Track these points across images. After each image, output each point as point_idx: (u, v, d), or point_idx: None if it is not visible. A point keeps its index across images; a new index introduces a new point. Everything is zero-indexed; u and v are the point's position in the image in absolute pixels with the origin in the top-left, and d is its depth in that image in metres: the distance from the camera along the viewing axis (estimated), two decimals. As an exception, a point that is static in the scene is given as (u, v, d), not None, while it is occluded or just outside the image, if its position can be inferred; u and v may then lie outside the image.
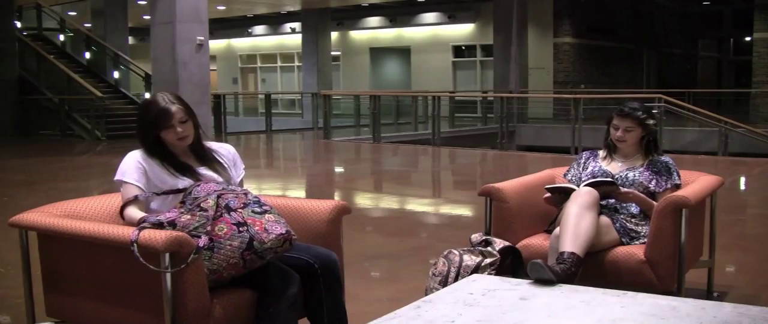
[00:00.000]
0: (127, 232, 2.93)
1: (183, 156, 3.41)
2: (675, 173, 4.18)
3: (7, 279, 5.27)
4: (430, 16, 29.40)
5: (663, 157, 4.24)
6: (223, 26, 31.98)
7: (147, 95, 19.88)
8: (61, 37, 23.60)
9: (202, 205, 3.09)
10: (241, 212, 3.10)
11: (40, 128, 20.15)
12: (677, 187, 4.13)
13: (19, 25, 22.84)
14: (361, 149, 16.72)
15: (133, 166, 3.32)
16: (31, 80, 20.95)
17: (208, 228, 3.05)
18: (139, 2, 22.28)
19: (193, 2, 13.78)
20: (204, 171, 3.39)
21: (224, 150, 3.59)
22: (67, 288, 3.30)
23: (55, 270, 3.32)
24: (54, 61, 20.59)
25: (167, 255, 2.82)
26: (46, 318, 3.41)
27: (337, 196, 9.82)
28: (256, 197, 3.21)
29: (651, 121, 4.24)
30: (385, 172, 13.42)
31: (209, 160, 3.46)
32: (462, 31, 29.20)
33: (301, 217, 3.45)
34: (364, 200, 9.77)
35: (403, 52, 31.46)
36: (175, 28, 13.60)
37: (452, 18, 28.87)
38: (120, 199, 3.41)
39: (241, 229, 3.05)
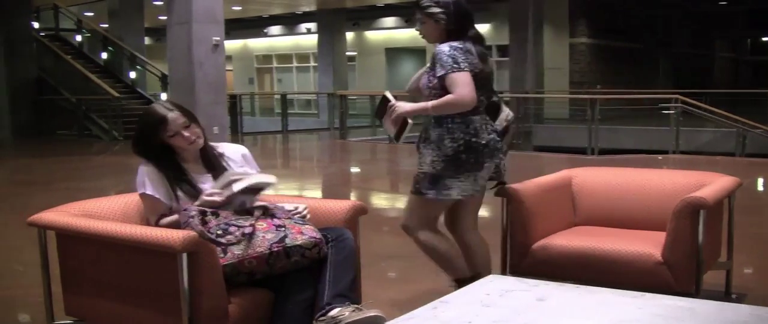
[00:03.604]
0: (145, 232, 2.96)
1: (192, 162, 3.41)
2: (441, 63, 3.79)
3: (26, 278, 5.31)
4: (445, 17, 29.29)
5: (437, 48, 3.89)
6: (238, 27, 32.02)
7: (163, 96, 19.94)
8: (79, 38, 23.71)
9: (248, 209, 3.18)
10: (283, 220, 3.16)
11: (57, 128, 20.26)
12: (441, 79, 3.78)
13: (36, 25, 22.95)
14: (377, 149, 16.72)
15: (148, 178, 3.34)
16: (49, 80, 21.08)
17: (247, 224, 3.08)
18: (155, 2, 22.34)
19: (209, 3, 13.80)
20: (208, 186, 3.36)
21: (232, 151, 3.59)
22: (85, 287, 3.32)
23: (74, 269, 3.34)
24: (71, 62, 20.70)
25: (185, 255, 2.83)
26: (64, 317, 3.43)
27: (353, 197, 9.82)
28: (304, 212, 3.31)
29: (437, 10, 3.92)
30: (401, 172, 13.40)
31: (217, 168, 3.45)
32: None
33: (318, 218, 3.45)
34: (380, 200, 9.77)
35: (418, 52, 31.38)
36: (191, 29, 13.62)
37: (468, 18, 28.76)
38: (137, 199, 3.44)
39: (279, 228, 3.12)
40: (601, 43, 27.17)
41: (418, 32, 4.07)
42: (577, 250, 3.97)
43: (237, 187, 3.23)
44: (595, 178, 4.61)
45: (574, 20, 26.82)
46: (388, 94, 3.97)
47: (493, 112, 4.03)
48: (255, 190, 3.29)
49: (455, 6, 3.95)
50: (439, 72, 3.80)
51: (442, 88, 3.80)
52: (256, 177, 3.32)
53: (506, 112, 4.11)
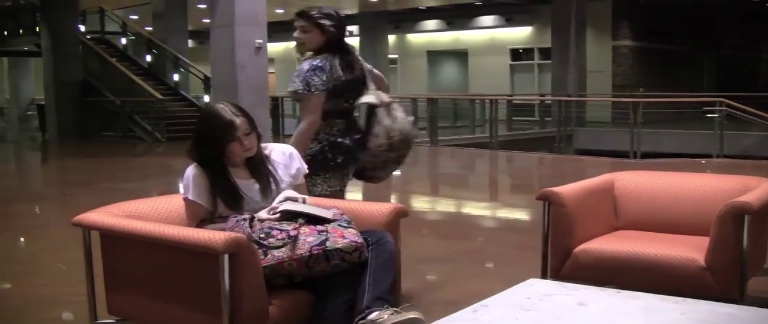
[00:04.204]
0: (187, 233, 2.98)
1: (238, 167, 3.39)
2: (290, 81, 4.14)
3: (69, 276, 5.36)
4: (487, 19, 29.29)
5: (299, 66, 4.18)
6: (281, 29, 32.01)
7: (206, 98, 20.08)
8: (123, 41, 23.99)
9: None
10: (326, 226, 3.16)
11: (102, 130, 20.50)
12: (292, 92, 4.13)
13: (83, 28, 23.28)
14: (418, 152, 16.69)
15: (193, 182, 3.32)
16: (94, 83, 21.36)
17: (291, 228, 3.10)
18: (199, 6, 22.53)
19: (251, 6, 13.88)
20: (252, 194, 3.35)
21: (278, 152, 3.57)
22: (127, 287, 3.35)
23: (116, 269, 3.38)
24: (116, 64, 20.96)
25: (226, 256, 2.85)
26: (107, 316, 3.46)
27: (393, 199, 9.83)
28: (346, 216, 3.26)
29: (327, 23, 4.19)
30: (442, 175, 13.40)
31: (262, 174, 3.42)
32: (520, 34, 29.04)
33: (359, 220, 3.45)
34: (420, 203, 9.77)
35: (460, 55, 31.38)
36: (234, 32, 13.71)
37: (510, 21, 28.73)
38: (179, 200, 3.47)
39: (321, 233, 3.12)
40: (644, 45, 26.93)
41: (296, 38, 4.24)
42: (618, 254, 3.93)
43: (290, 206, 3.23)
44: (637, 182, 4.57)
45: (616, 23, 26.61)
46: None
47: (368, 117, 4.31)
48: (307, 217, 3.25)
49: (342, 19, 4.29)
50: (290, 86, 4.16)
51: (331, 100, 4.15)
52: (312, 210, 3.25)
53: (388, 121, 4.29)
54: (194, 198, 3.30)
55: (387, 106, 4.30)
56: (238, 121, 3.29)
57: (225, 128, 3.27)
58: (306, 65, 4.13)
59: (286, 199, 3.31)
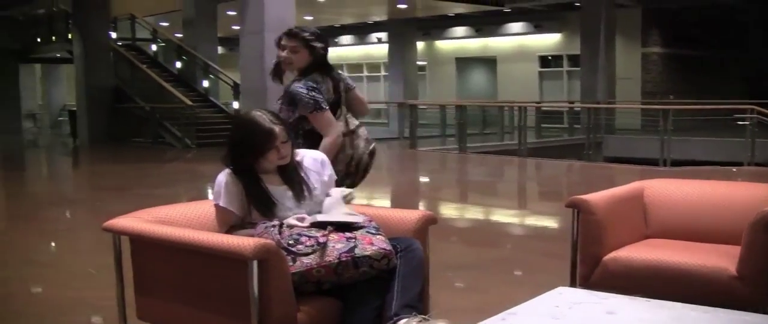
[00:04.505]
0: (216, 239, 3.00)
1: (270, 173, 3.38)
2: (300, 103, 4.10)
3: (99, 281, 5.41)
4: (516, 26, 29.23)
5: (292, 85, 4.17)
6: (310, 36, 32.25)
7: (235, 105, 20.18)
8: (154, 47, 24.19)
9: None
10: (355, 233, 3.16)
11: (132, 136, 20.66)
12: (314, 115, 4.09)
13: (114, 35, 23.50)
14: (446, 159, 16.70)
15: (225, 189, 3.32)
16: (125, 89, 21.55)
17: (320, 235, 3.10)
18: (228, 13, 22.65)
19: (281, 12, 13.94)
20: (284, 201, 3.35)
21: (310, 159, 3.56)
22: (157, 292, 3.37)
23: (146, 274, 3.40)
24: (146, 70, 21.12)
25: (255, 262, 2.86)
26: (136, 320, 3.48)
27: (422, 206, 9.83)
28: (374, 223, 3.26)
29: (318, 45, 4.19)
30: (471, 182, 13.38)
31: (294, 182, 3.42)
32: (549, 41, 28.97)
33: (388, 227, 3.44)
34: (449, 210, 9.76)
35: (489, 61, 31.33)
36: (263, 38, 13.76)
37: (539, 28, 28.66)
38: (208, 206, 3.48)
39: (350, 239, 3.12)
40: (674, 52, 26.75)
41: (283, 58, 4.22)
42: (648, 262, 3.91)
43: (321, 218, 3.24)
44: (667, 190, 4.53)
45: (646, 29, 26.47)
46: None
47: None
48: (338, 225, 3.27)
49: (328, 40, 4.29)
50: (302, 111, 4.12)
51: (301, 121, 4.14)
52: (344, 217, 3.26)
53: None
54: (225, 204, 3.30)
55: (351, 134, 4.30)
56: (277, 129, 3.29)
57: (265, 136, 3.27)
58: (301, 87, 4.12)
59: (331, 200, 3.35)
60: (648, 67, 26.60)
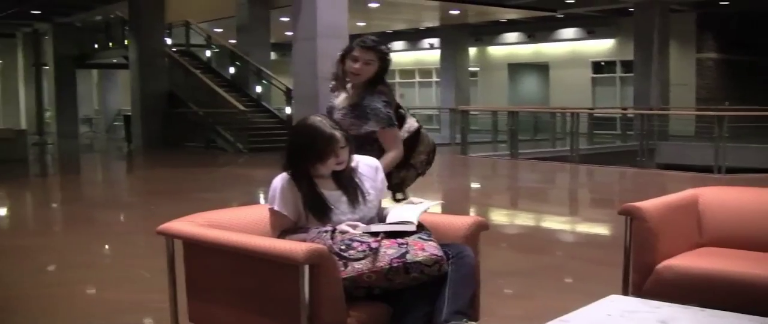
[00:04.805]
0: (269, 243, 3.02)
1: (323, 178, 3.40)
2: (374, 118, 4.04)
3: (152, 283, 5.48)
4: (569, 32, 29.05)
5: (371, 99, 4.08)
6: (362, 42, 32.35)
7: (287, 110, 20.30)
8: (208, 53, 24.43)
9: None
10: (407, 239, 3.16)
11: (185, 140, 20.89)
12: (387, 131, 4.05)
13: (169, 41, 23.81)
14: (497, 165, 16.64)
15: (281, 193, 3.33)
16: (179, 94, 21.79)
17: (372, 241, 3.11)
18: (281, 19, 22.81)
19: (333, 19, 14.00)
20: (339, 206, 3.37)
21: (365, 165, 3.58)
22: (209, 295, 3.40)
23: (198, 277, 3.43)
24: (200, 76, 21.34)
25: (307, 267, 2.88)
26: (188, 323, 3.52)
27: (472, 212, 9.80)
28: (426, 229, 3.27)
29: (389, 58, 4.15)
30: (522, 188, 13.32)
31: (349, 187, 3.43)
32: (601, 46, 28.73)
33: (439, 233, 3.44)
34: (499, 216, 9.72)
35: (541, 67, 31.16)
36: (315, 44, 13.83)
37: (592, 33, 28.44)
38: (260, 211, 3.51)
39: (402, 245, 3.12)
40: (730, 58, 26.34)
41: (355, 70, 4.10)
42: (703, 271, 3.85)
43: (374, 228, 3.26)
44: (722, 198, 4.47)
45: (701, 34, 26.11)
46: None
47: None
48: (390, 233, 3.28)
49: None
50: (374, 126, 4.05)
51: (369, 135, 4.07)
52: (398, 227, 3.26)
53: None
54: (280, 208, 3.32)
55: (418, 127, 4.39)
56: (338, 134, 3.33)
57: (326, 141, 3.30)
58: (378, 102, 4.09)
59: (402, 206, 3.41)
60: (703, 73, 26.24)
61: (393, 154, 4.10)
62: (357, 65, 4.07)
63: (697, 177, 13.04)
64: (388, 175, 4.00)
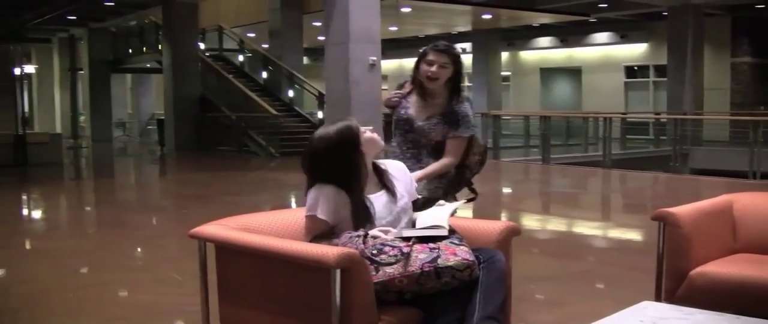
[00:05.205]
0: (301, 247, 3.02)
1: (366, 177, 3.42)
2: (464, 124, 4.15)
3: (184, 286, 5.52)
4: (601, 36, 28.91)
5: (462, 105, 4.18)
6: (394, 46, 32.38)
7: (319, 114, 20.36)
8: (240, 58, 24.55)
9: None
10: (438, 244, 3.17)
11: (218, 144, 21.02)
12: (460, 138, 4.15)
13: (202, 46, 23.97)
14: (529, 170, 16.57)
15: (326, 198, 3.31)
16: (211, 98, 21.93)
17: (404, 245, 3.12)
18: (314, 24, 22.88)
19: (366, 23, 14.03)
20: (378, 208, 3.39)
21: (394, 168, 3.61)
22: (240, 298, 3.41)
23: (230, 280, 3.44)
24: (233, 80, 21.45)
25: (338, 271, 2.88)
26: (219, 326, 3.54)
27: (504, 217, 9.77)
28: (458, 234, 3.28)
29: (461, 61, 4.18)
30: (554, 193, 13.26)
31: (388, 186, 3.48)
32: (634, 51, 28.56)
33: (471, 237, 3.43)
34: (531, 222, 9.68)
35: (573, 72, 31.04)
36: (348, 49, 13.87)
37: (625, 38, 28.29)
38: (292, 215, 3.52)
39: (433, 250, 3.12)
40: (765, 62, 26.08)
41: (432, 73, 4.11)
42: (738, 278, 3.81)
43: (406, 233, 3.26)
44: (758, 203, 4.42)
45: (736, 39, 25.87)
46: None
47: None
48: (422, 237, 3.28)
49: None
50: (464, 132, 4.19)
51: (440, 141, 4.20)
52: (430, 231, 3.27)
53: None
54: (322, 215, 3.30)
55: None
56: (350, 121, 3.41)
57: (354, 134, 3.37)
58: (468, 108, 4.19)
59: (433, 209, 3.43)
60: (737, 78, 26.00)
61: (451, 161, 4.18)
62: (434, 68, 4.10)
63: (731, 182, 12.92)
64: (441, 177, 4.13)
